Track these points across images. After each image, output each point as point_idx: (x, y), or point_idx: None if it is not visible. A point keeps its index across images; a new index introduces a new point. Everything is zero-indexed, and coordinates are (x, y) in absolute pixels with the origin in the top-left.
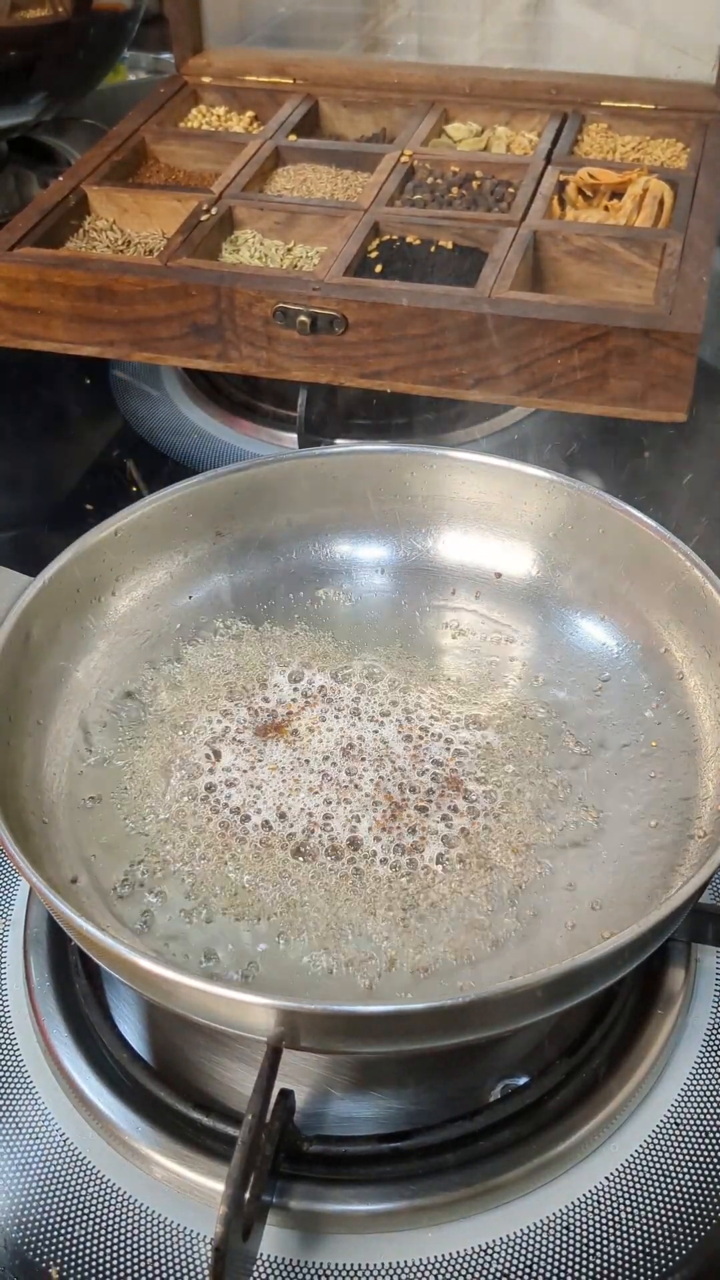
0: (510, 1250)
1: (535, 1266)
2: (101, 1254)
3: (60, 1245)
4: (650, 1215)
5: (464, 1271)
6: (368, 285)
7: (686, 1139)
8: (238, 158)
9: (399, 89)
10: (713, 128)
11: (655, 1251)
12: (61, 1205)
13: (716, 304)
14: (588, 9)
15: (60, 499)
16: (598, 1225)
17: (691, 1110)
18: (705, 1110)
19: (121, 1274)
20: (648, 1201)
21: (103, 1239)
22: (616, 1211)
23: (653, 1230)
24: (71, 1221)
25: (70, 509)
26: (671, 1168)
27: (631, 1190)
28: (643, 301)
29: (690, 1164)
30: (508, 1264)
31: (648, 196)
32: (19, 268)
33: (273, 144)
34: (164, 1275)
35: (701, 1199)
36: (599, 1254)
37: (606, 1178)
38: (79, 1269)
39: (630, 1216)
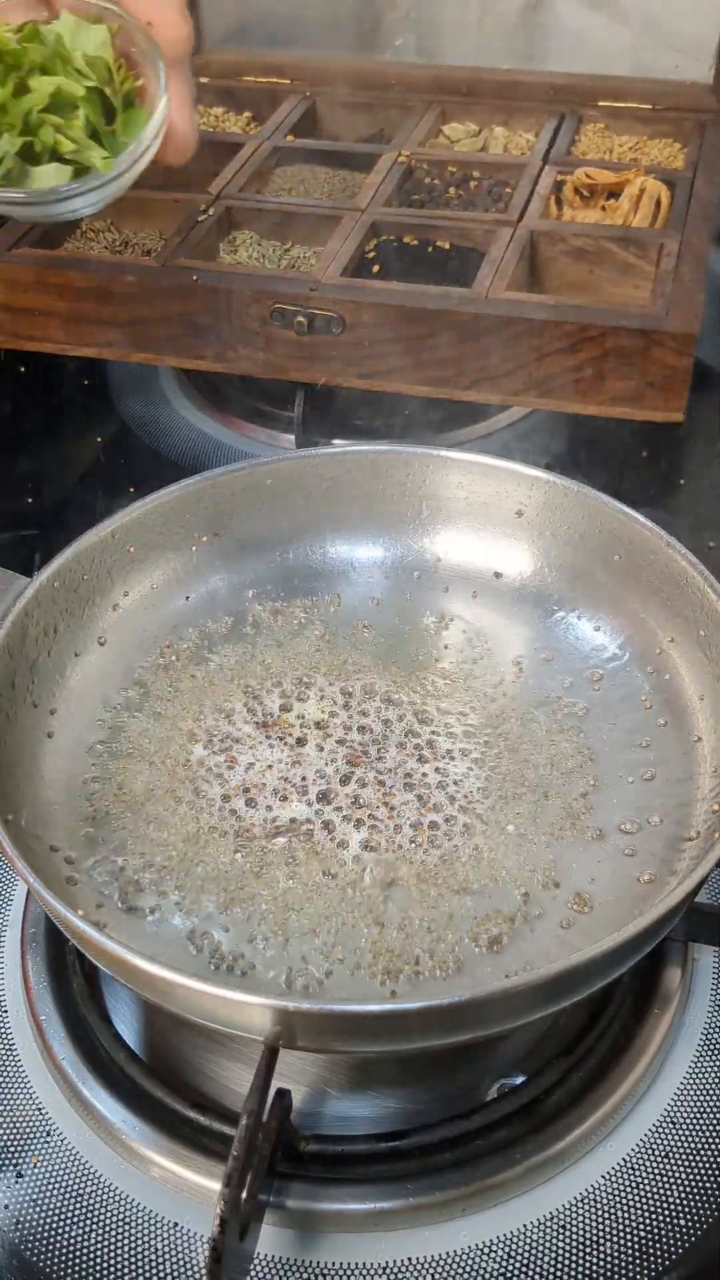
0: (508, 1249)
1: (533, 1265)
2: (99, 1253)
3: (58, 1244)
4: (647, 1214)
5: (461, 1270)
6: (365, 286)
7: (683, 1138)
8: (235, 158)
9: (397, 89)
10: (710, 127)
11: (652, 1250)
12: (59, 1204)
13: (714, 304)
14: (585, 9)
15: (59, 499)
16: (594, 1224)
17: (688, 1109)
18: (702, 1109)
19: (119, 1273)
20: (644, 1200)
21: (100, 1238)
22: (613, 1210)
23: (649, 1229)
24: (69, 1221)
25: (69, 510)
26: (668, 1166)
27: (628, 1189)
28: (640, 302)
29: (687, 1163)
30: (505, 1263)
31: (645, 196)
32: (17, 268)
33: (270, 144)
34: (161, 1274)
35: (698, 1197)
36: (596, 1253)
37: (603, 1176)
38: (77, 1268)
39: (627, 1215)
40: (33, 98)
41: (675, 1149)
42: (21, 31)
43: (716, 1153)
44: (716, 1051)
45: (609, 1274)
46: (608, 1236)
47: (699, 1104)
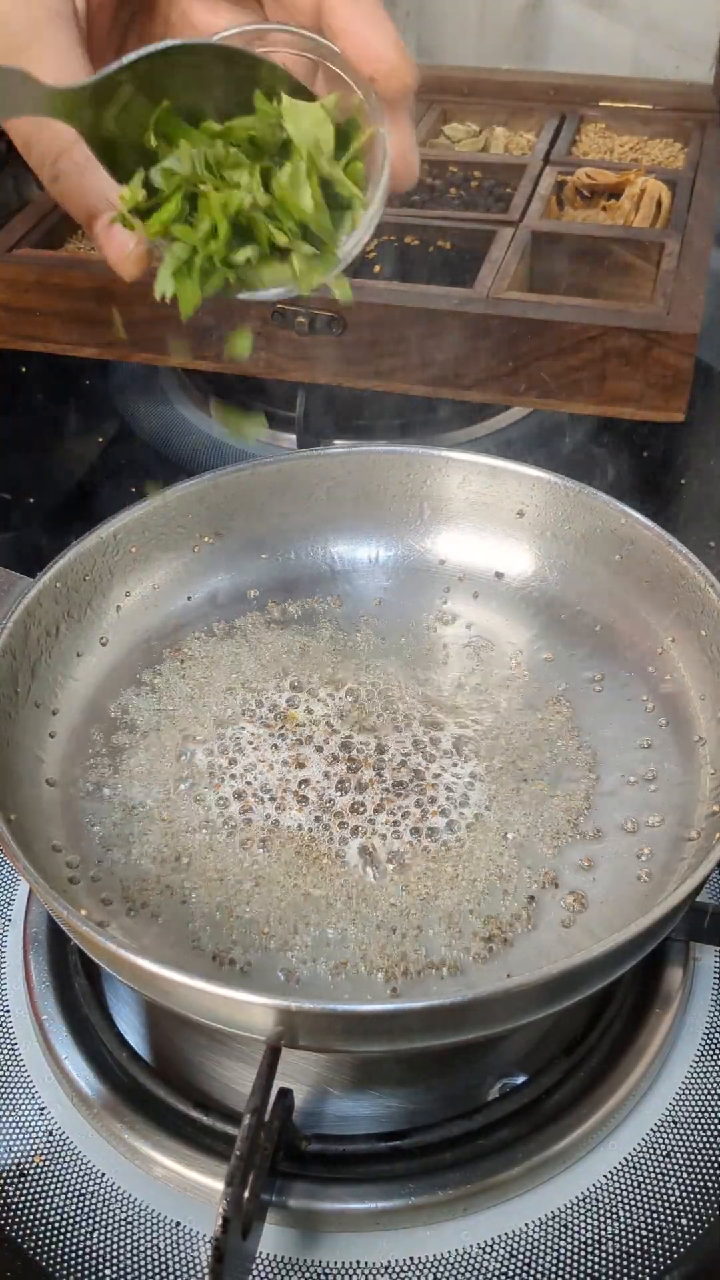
0: (509, 1248)
1: (534, 1264)
2: (101, 1252)
3: (60, 1244)
4: (648, 1214)
5: (463, 1270)
6: (366, 286)
7: (684, 1137)
8: None
9: None
10: (710, 128)
11: (653, 1250)
12: (61, 1204)
13: (714, 304)
14: (586, 9)
15: (60, 499)
16: (596, 1223)
17: (689, 1109)
18: (703, 1109)
19: (121, 1272)
20: (645, 1200)
21: (103, 1238)
22: (614, 1210)
23: (650, 1229)
24: (71, 1220)
25: (70, 510)
26: (669, 1166)
27: (629, 1188)
28: (640, 302)
29: (688, 1163)
30: (506, 1262)
31: (645, 197)
32: (18, 269)
33: None
34: (164, 1273)
35: (699, 1197)
36: (597, 1252)
37: (604, 1176)
38: (79, 1268)
39: (628, 1215)
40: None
41: (676, 1149)
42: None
43: (718, 1153)
44: (718, 1051)
45: (610, 1274)
46: (609, 1236)
47: (700, 1104)
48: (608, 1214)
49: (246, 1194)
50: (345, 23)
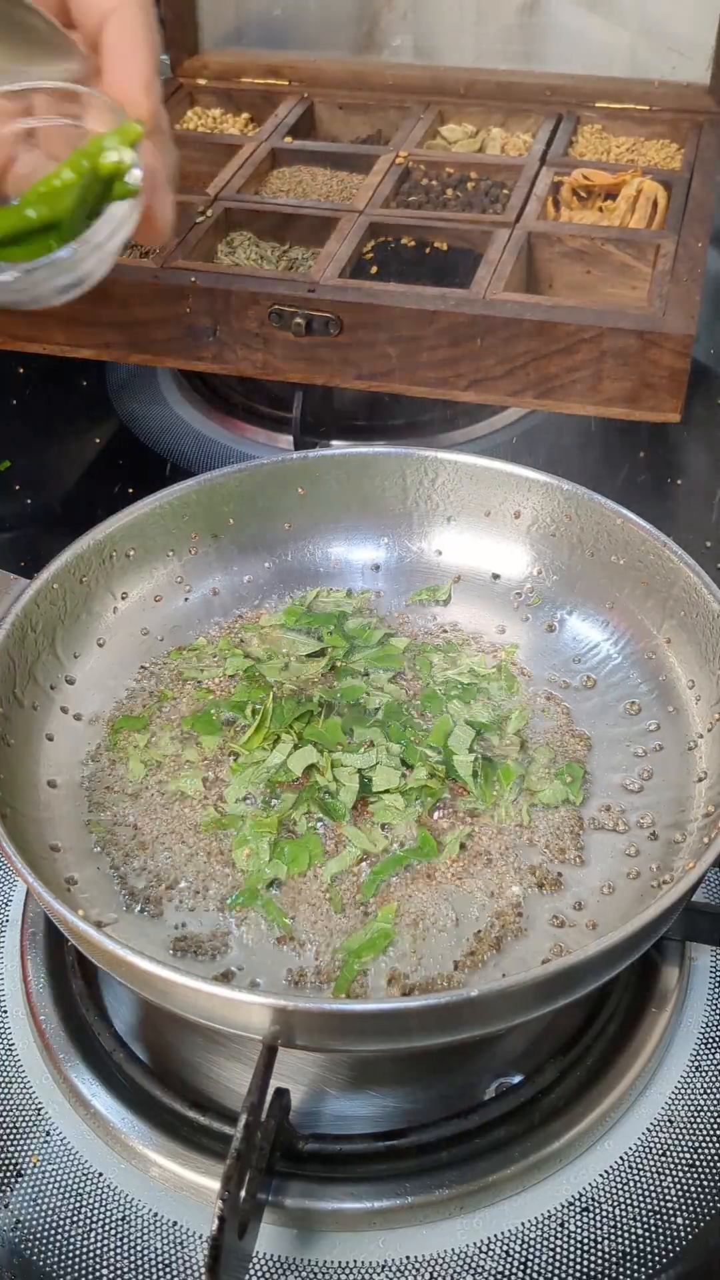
0: (505, 1247)
1: (530, 1263)
2: (99, 1252)
3: (58, 1243)
4: (644, 1213)
5: (459, 1269)
6: (363, 287)
7: (680, 1136)
8: (233, 160)
9: (394, 90)
10: (707, 128)
11: (649, 1249)
12: (59, 1204)
13: (710, 305)
14: (582, 10)
15: (58, 501)
16: (592, 1223)
17: (685, 1108)
18: (699, 1108)
19: (119, 1272)
20: (641, 1199)
21: (100, 1237)
22: (610, 1209)
23: (646, 1228)
24: (69, 1220)
25: (68, 511)
26: (665, 1165)
27: (625, 1188)
28: (637, 303)
29: (684, 1161)
30: (503, 1261)
31: (642, 198)
32: None
33: (268, 146)
34: (161, 1273)
35: (695, 1196)
36: (593, 1251)
37: (601, 1175)
38: (77, 1267)
39: (624, 1214)
40: None
41: (672, 1148)
42: None
43: (714, 1152)
44: (714, 1050)
45: (606, 1273)
46: (605, 1235)
47: (696, 1103)
48: (604, 1213)
49: (243, 1194)
50: (109, 50)
